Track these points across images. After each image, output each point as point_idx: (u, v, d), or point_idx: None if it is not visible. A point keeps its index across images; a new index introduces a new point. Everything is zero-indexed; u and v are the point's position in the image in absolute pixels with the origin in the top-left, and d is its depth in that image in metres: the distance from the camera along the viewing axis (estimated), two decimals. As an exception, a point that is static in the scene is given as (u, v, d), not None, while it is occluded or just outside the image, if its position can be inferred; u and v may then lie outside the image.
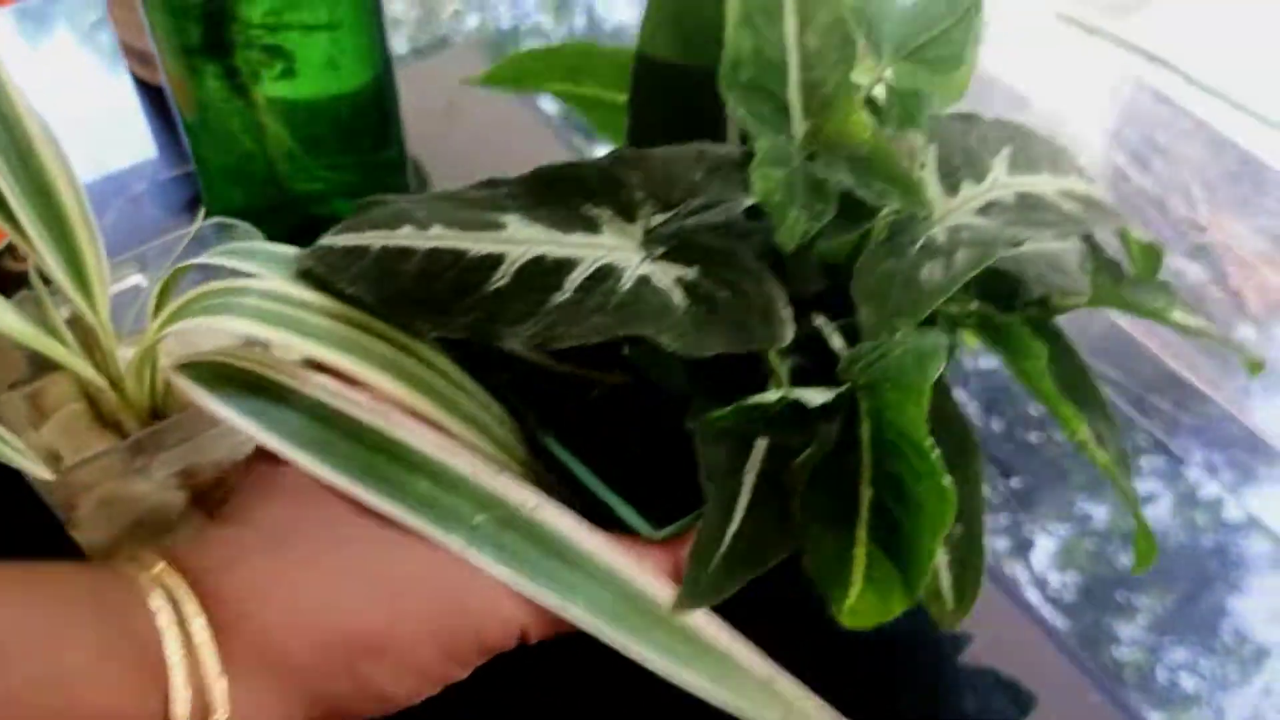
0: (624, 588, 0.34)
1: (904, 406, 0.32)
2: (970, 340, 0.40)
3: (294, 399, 0.34)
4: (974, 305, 0.38)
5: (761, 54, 0.37)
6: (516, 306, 0.34)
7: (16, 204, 0.37)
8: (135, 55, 0.66)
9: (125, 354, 0.39)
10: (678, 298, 0.34)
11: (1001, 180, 0.40)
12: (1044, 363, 0.36)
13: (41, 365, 0.41)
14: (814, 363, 0.36)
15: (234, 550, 0.32)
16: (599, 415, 0.39)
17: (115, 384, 0.39)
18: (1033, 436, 0.51)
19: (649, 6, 0.41)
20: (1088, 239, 0.42)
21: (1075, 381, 0.40)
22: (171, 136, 0.64)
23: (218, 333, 0.40)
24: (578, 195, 0.36)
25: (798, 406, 0.33)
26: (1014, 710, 0.42)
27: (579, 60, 0.46)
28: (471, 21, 0.79)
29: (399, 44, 0.75)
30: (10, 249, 0.50)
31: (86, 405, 0.41)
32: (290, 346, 0.34)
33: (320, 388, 0.35)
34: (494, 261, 0.35)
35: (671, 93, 0.41)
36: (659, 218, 0.36)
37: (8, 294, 0.38)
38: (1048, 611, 0.45)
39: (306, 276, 0.35)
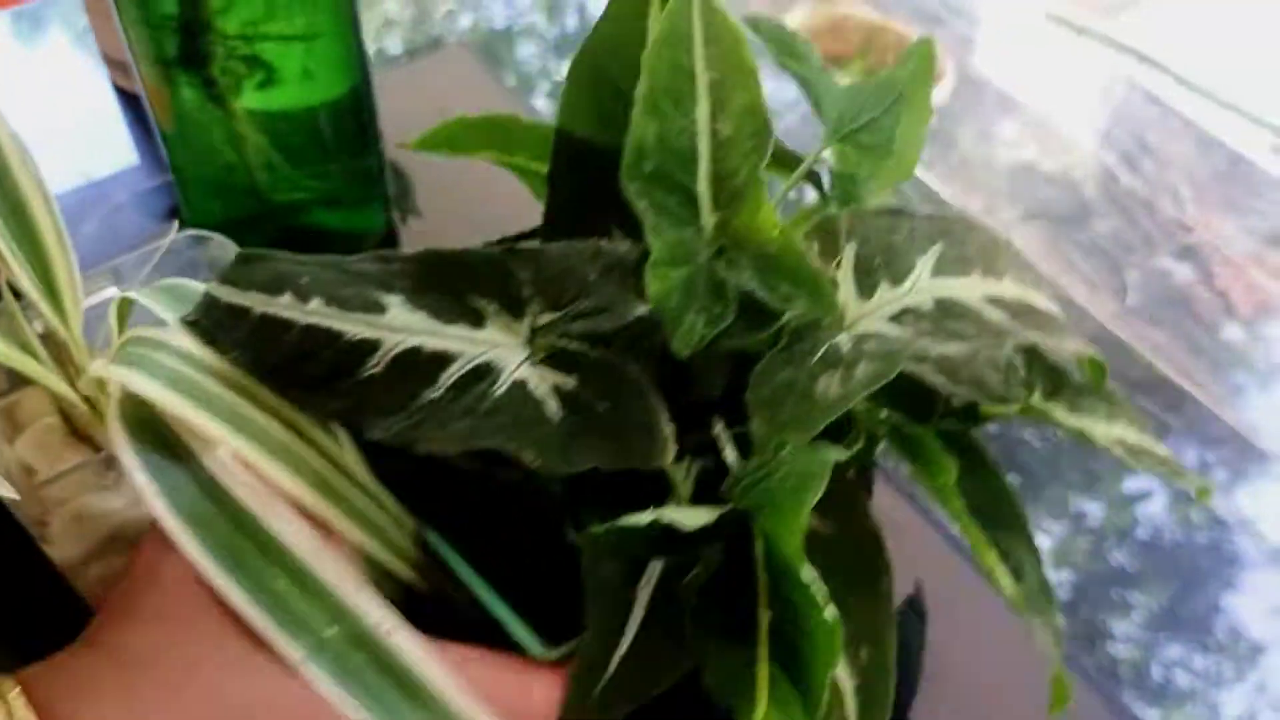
0: None
1: (780, 533, 0.30)
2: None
3: (195, 467, 0.33)
4: (883, 415, 0.36)
5: (666, 143, 0.35)
6: (387, 398, 0.32)
7: (-12, 219, 0.36)
8: (115, 65, 0.66)
9: (98, 368, 0.38)
10: (552, 408, 0.32)
11: (922, 283, 0.37)
12: (953, 479, 0.35)
13: (16, 379, 0.41)
14: (718, 472, 0.34)
15: (87, 680, 0.31)
16: (496, 515, 0.36)
17: (88, 399, 0.38)
18: (1026, 434, 0.51)
19: (568, 80, 0.39)
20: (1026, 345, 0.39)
21: (992, 501, 0.37)
22: (154, 145, 0.64)
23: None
24: (465, 283, 0.34)
25: (671, 529, 0.31)
26: (1009, 708, 0.42)
27: (506, 132, 0.45)
28: (465, 21, 0.78)
29: (392, 44, 0.75)
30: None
31: (60, 419, 0.40)
32: (187, 419, 0.33)
33: (218, 462, 0.33)
34: (370, 347, 0.33)
35: (589, 169, 0.39)
36: (546, 317, 0.34)
37: (-20, 309, 0.38)
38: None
39: (193, 328, 0.34)
